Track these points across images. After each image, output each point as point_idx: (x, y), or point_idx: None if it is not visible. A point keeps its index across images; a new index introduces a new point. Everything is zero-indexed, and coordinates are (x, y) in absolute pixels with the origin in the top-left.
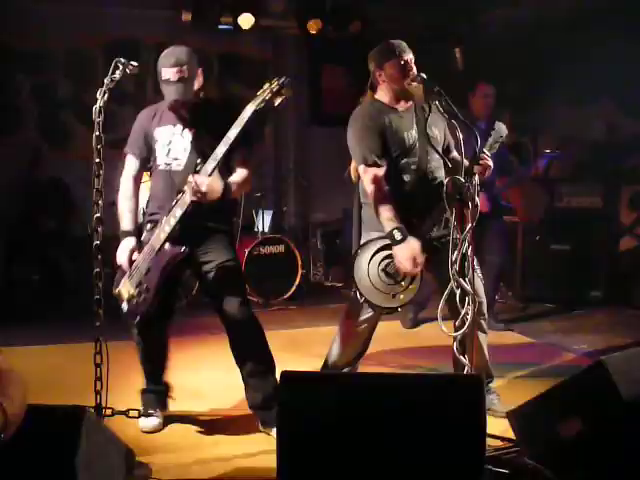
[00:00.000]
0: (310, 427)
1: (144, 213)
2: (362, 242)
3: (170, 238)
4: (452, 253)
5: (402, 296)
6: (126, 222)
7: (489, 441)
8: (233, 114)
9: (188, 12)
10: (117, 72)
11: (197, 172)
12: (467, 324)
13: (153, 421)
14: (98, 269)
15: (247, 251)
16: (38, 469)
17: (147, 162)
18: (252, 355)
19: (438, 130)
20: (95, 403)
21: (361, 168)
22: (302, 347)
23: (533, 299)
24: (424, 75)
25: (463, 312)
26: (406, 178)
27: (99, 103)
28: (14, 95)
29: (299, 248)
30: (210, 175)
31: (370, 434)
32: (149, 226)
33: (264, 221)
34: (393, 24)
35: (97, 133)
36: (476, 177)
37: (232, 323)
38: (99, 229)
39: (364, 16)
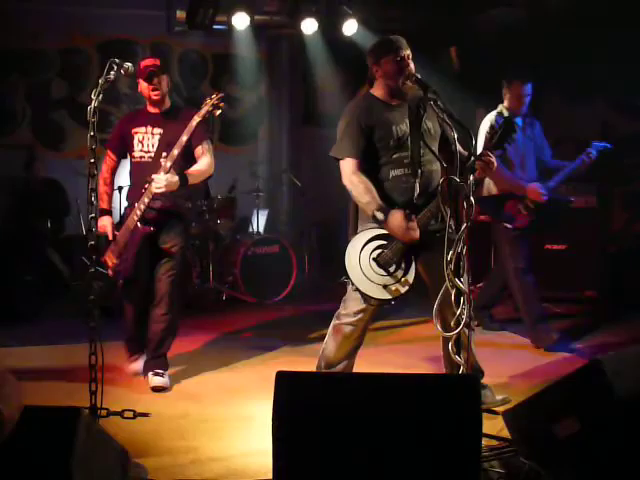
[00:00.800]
0: (306, 427)
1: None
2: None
3: (141, 220)
4: (447, 252)
5: (395, 288)
6: (105, 202)
7: (485, 440)
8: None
9: (182, 13)
10: (111, 72)
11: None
12: (462, 324)
13: (163, 379)
14: (93, 269)
15: (242, 251)
16: (33, 470)
17: (124, 155)
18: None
19: (433, 124)
20: (90, 404)
21: (340, 162)
22: (297, 347)
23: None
24: (419, 75)
25: (458, 312)
26: (399, 172)
27: (93, 103)
28: (8, 95)
29: (294, 248)
30: (168, 172)
31: (366, 434)
32: (127, 209)
33: (259, 221)
34: (388, 24)
35: (91, 133)
36: (470, 177)
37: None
38: (94, 229)
39: (358, 15)
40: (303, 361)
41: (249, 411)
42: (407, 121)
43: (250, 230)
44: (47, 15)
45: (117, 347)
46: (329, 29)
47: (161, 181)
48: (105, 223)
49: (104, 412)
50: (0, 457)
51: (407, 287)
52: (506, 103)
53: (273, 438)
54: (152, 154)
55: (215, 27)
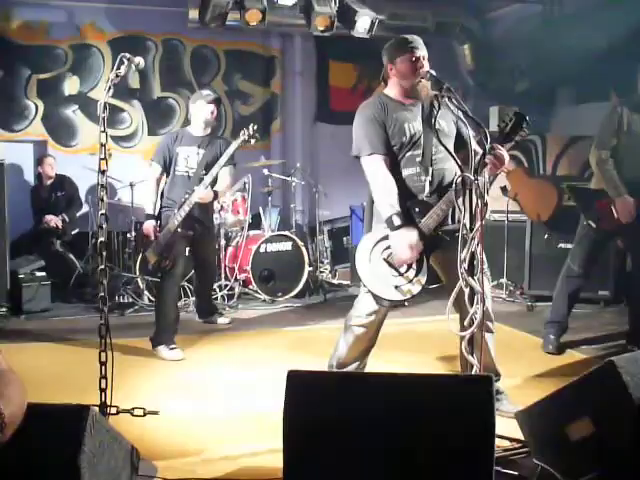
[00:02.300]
0: (317, 426)
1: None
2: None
3: (180, 225)
4: (461, 251)
5: (406, 289)
6: (149, 208)
7: (498, 442)
8: (223, 146)
9: (195, 9)
10: (122, 67)
11: (201, 179)
12: (476, 323)
13: (177, 352)
14: (103, 266)
15: (254, 248)
16: (42, 468)
17: (167, 169)
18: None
19: (447, 123)
20: (100, 401)
21: (362, 159)
22: (309, 345)
23: (541, 298)
24: (433, 72)
25: (472, 311)
26: (411, 170)
27: (104, 98)
28: (20, 90)
29: (306, 245)
30: (206, 187)
31: (377, 434)
32: (165, 211)
33: (271, 218)
34: (401, 21)
35: (102, 129)
36: (486, 174)
37: (204, 270)
38: (104, 225)
39: (372, 12)
40: (315, 359)
41: (260, 410)
42: (420, 120)
43: (262, 227)
44: (58, 10)
45: (128, 344)
46: (342, 26)
47: (202, 193)
48: (148, 226)
49: (114, 410)
50: (10, 455)
51: (419, 288)
52: None
53: (284, 437)
54: (195, 170)
55: (228, 23)
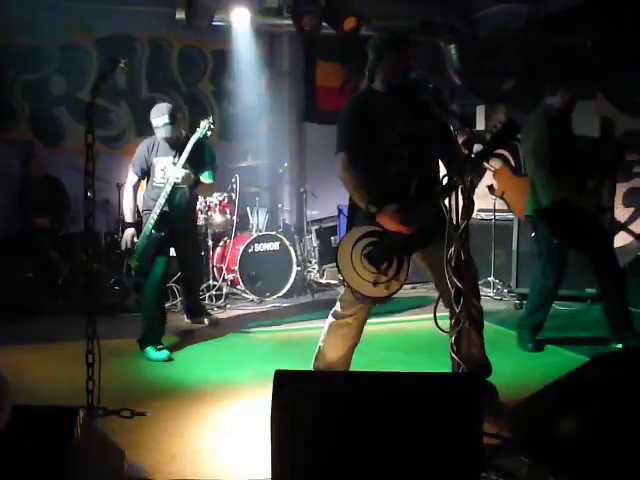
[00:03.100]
0: (304, 426)
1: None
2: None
3: (155, 226)
4: (447, 251)
5: (386, 285)
6: (128, 217)
7: (486, 439)
8: (199, 149)
9: (182, 10)
10: (109, 69)
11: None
12: (462, 322)
13: (165, 353)
14: (90, 267)
15: (241, 248)
16: (29, 470)
17: (144, 177)
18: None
19: (432, 122)
20: (87, 403)
21: (336, 155)
22: (297, 345)
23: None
24: (419, 71)
25: (458, 310)
26: (395, 169)
27: (91, 100)
28: (6, 92)
29: (294, 245)
30: (182, 167)
31: (365, 433)
32: (145, 214)
33: (259, 218)
34: (388, 20)
35: (89, 130)
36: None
37: (188, 269)
38: (92, 226)
39: (359, 13)
40: (303, 359)
41: (248, 410)
42: (405, 119)
43: (250, 227)
44: (46, 11)
45: (115, 345)
46: (329, 25)
47: (177, 172)
48: (127, 234)
49: (101, 411)
50: None
51: (398, 285)
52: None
53: (271, 437)
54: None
55: (215, 23)
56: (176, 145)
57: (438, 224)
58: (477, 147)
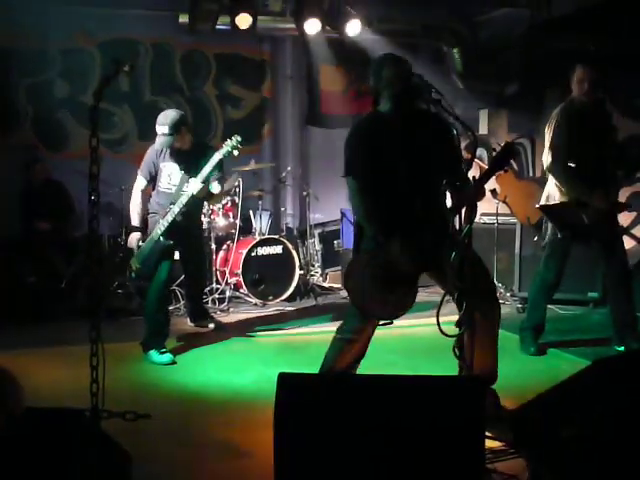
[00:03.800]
0: (308, 429)
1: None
2: (361, 247)
3: (164, 234)
4: (451, 254)
5: (394, 307)
6: (135, 220)
7: (488, 442)
8: (206, 157)
9: (185, 14)
10: (113, 72)
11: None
12: (465, 326)
13: (168, 357)
14: (94, 270)
15: (244, 252)
16: (34, 471)
17: (152, 182)
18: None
19: (434, 137)
20: (91, 405)
21: (347, 179)
22: (300, 349)
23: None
24: (421, 75)
25: (461, 313)
26: (399, 189)
27: (95, 103)
28: (10, 96)
29: (297, 249)
30: (202, 182)
31: (368, 436)
32: (152, 217)
33: (262, 222)
34: (392, 24)
35: (93, 133)
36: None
37: (192, 274)
38: (95, 230)
39: (362, 16)
40: (306, 362)
41: (253, 413)
42: (409, 138)
43: (253, 231)
44: (49, 14)
45: (119, 348)
46: (332, 29)
47: (197, 186)
48: (132, 238)
49: (105, 414)
50: (1, 458)
51: (409, 303)
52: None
53: (275, 440)
54: (177, 187)
55: (218, 27)
56: (183, 153)
57: (445, 243)
58: (480, 150)
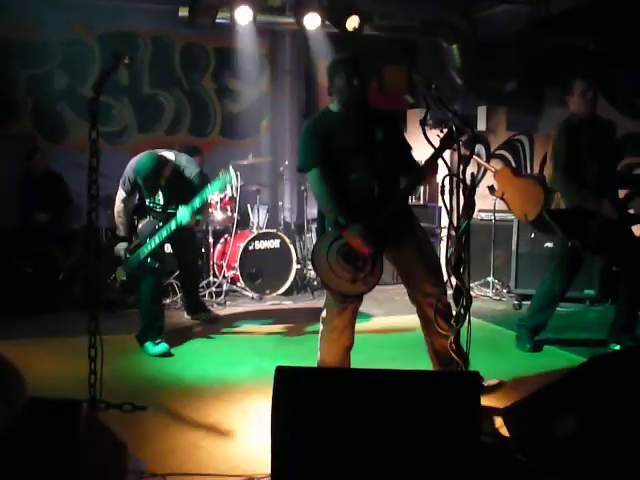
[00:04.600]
0: (305, 422)
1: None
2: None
3: (150, 256)
4: (447, 251)
5: (364, 282)
6: (120, 230)
7: (483, 438)
8: (195, 185)
9: (185, 7)
10: (113, 65)
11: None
12: (461, 321)
13: (163, 346)
14: (93, 262)
15: (242, 246)
16: (32, 462)
17: (132, 194)
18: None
19: (386, 134)
20: (89, 396)
21: (308, 173)
22: (297, 342)
23: (527, 297)
24: (420, 72)
25: (458, 309)
26: (354, 176)
27: (94, 96)
28: (9, 87)
29: (294, 243)
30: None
31: (365, 430)
32: (141, 225)
33: (259, 216)
34: (391, 20)
35: (92, 126)
36: (472, 174)
37: (186, 268)
38: (94, 222)
39: (361, 11)
40: (302, 356)
41: (249, 406)
42: (362, 131)
43: (250, 225)
44: (48, 6)
45: (117, 340)
46: (332, 24)
47: (188, 218)
48: (119, 249)
49: (103, 405)
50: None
51: (375, 279)
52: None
53: (272, 433)
54: (161, 206)
55: (217, 21)
56: (170, 178)
57: (407, 226)
58: (478, 147)
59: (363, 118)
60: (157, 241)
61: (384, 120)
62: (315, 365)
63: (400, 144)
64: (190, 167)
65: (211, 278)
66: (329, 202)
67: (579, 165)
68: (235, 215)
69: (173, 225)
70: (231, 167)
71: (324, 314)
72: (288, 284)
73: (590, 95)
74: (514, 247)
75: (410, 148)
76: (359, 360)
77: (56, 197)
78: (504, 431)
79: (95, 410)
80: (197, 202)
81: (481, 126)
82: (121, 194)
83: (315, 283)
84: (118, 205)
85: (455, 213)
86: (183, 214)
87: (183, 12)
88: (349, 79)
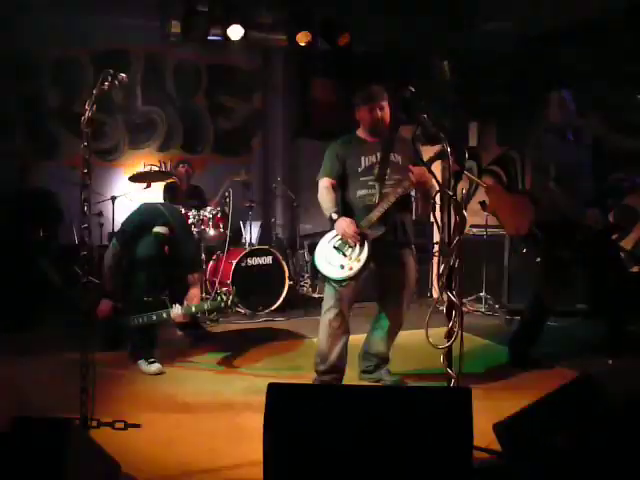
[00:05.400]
0: (296, 439)
1: None
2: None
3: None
4: (439, 265)
5: (350, 266)
6: (108, 285)
7: (475, 453)
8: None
9: (177, 23)
10: (106, 83)
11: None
12: (454, 336)
13: (157, 366)
14: (84, 280)
15: (234, 262)
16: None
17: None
18: None
19: (402, 157)
20: (81, 415)
21: (319, 181)
22: (289, 358)
23: (519, 312)
24: (412, 88)
25: (450, 324)
26: (364, 192)
27: (87, 114)
28: (2, 103)
29: (286, 260)
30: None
31: (357, 446)
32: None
33: (252, 232)
34: (382, 37)
35: (85, 143)
36: (462, 190)
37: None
38: (86, 239)
39: (353, 28)
40: (295, 372)
41: (242, 423)
42: (378, 154)
43: (243, 241)
44: (41, 24)
45: (109, 358)
46: (324, 42)
47: (178, 316)
48: (104, 307)
49: (95, 423)
50: None
51: (360, 264)
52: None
53: (264, 450)
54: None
55: (210, 38)
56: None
57: (395, 243)
58: (469, 163)
59: (387, 143)
60: (144, 320)
61: (408, 145)
62: (307, 382)
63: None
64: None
65: (204, 295)
66: (327, 202)
67: (564, 175)
68: (227, 232)
69: (164, 315)
70: (233, 295)
71: (324, 306)
72: (281, 300)
73: (569, 105)
74: (506, 262)
75: (422, 163)
76: (351, 375)
77: (48, 214)
78: (496, 446)
79: (87, 428)
80: (193, 308)
81: (472, 142)
82: (116, 249)
83: (308, 299)
84: (108, 261)
85: (446, 229)
86: (177, 313)
87: (176, 29)
88: (371, 110)
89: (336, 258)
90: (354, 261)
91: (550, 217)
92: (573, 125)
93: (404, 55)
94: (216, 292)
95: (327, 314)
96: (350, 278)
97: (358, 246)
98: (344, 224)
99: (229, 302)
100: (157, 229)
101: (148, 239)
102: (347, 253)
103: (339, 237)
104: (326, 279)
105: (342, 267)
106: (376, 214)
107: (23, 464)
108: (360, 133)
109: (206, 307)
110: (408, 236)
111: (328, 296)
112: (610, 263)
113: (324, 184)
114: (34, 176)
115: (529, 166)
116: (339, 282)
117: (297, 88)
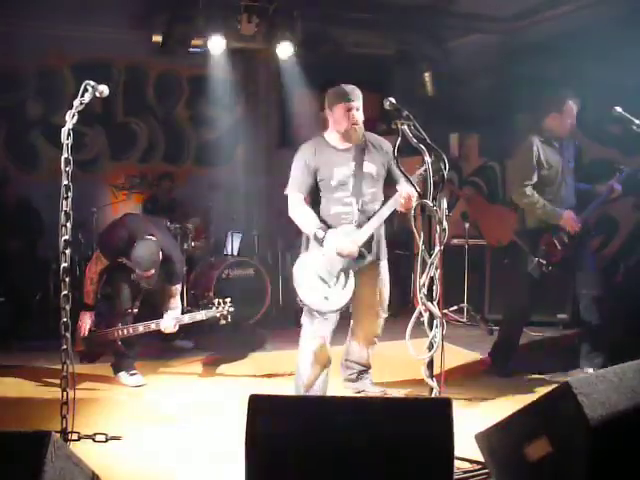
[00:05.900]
0: (278, 451)
1: None
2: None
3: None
4: (421, 276)
5: (334, 299)
6: (89, 297)
7: (457, 463)
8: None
9: (158, 35)
10: (86, 95)
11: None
12: (435, 347)
13: (138, 378)
14: (65, 292)
15: (216, 274)
16: None
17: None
18: None
19: (375, 167)
20: (61, 427)
21: (288, 196)
22: (271, 370)
23: (500, 322)
24: (392, 99)
25: (431, 335)
26: (339, 209)
27: (68, 125)
28: None
29: (268, 271)
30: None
31: (339, 457)
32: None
33: (233, 244)
34: (365, 48)
35: (65, 155)
36: (444, 201)
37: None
38: (67, 252)
39: (335, 40)
40: (277, 383)
41: (224, 434)
42: (351, 164)
43: (225, 252)
44: (22, 35)
45: (90, 370)
46: (305, 53)
47: (168, 326)
48: (83, 320)
49: (75, 436)
50: None
51: (345, 298)
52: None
53: (246, 462)
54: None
55: (191, 50)
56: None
57: (374, 253)
58: (450, 174)
59: (358, 150)
60: (131, 332)
61: (379, 150)
62: (290, 393)
63: (391, 174)
64: (174, 253)
65: (186, 306)
66: (306, 221)
67: (543, 181)
68: (209, 243)
69: (153, 326)
70: (229, 304)
71: (303, 332)
72: (262, 312)
73: (569, 117)
74: (487, 273)
75: (404, 176)
76: (334, 384)
77: (27, 226)
78: (478, 456)
79: (67, 441)
80: (187, 318)
81: (453, 153)
82: (102, 264)
83: (289, 309)
84: (92, 275)
85: (426, 240)
86: (167, 324)
87: (157, 39)
88: (348, 110)
89: (321, 289)
90: (339, 293)
91: (528, 224)
92: (574, 137)
93: (386, 66)
94: (211, 302)
95: (309, 343)
96: (335, 311)
97: (343, 277)
98: (347, 243)
99: (225, 312)
100: (146, 239)
101: (134, 250)
102: (331, 284)
103: (325, 263)
104: (306, 306)
105: (326, 299)
106: (366, 234)
107: (2, 477)
108: (329, 137)
109: (199, 318)
110: (382, 249)
111: (307, 323)
112: (588, 266)
113: (296, 201)
114: (13, 188)
115: (510, 173)
116: (323, 314)
117: (279, 99)
